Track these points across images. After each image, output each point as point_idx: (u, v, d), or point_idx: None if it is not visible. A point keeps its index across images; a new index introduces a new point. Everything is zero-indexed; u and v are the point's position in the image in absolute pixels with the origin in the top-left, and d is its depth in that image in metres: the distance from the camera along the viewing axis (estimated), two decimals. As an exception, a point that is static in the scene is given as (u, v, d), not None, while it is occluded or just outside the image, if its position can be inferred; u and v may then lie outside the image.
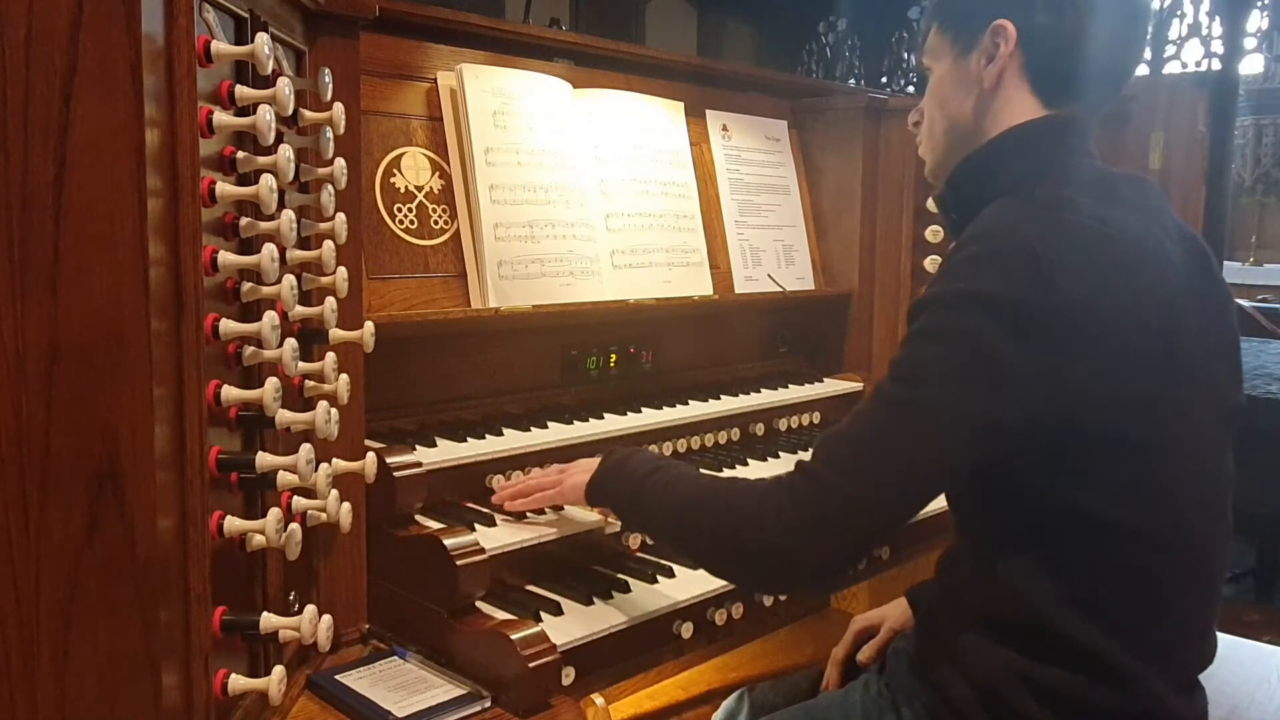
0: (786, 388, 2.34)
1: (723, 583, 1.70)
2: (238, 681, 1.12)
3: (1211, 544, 1.29)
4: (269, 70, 1.14)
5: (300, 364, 1.27)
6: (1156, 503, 1.21)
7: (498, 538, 1.58)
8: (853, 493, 1.19)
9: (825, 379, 2.46)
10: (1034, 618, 1.22)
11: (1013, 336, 1.14)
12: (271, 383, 1.14)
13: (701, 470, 1.49)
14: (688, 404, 2.11)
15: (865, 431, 1.22)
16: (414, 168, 1.83)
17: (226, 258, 1.09)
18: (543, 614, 1.57)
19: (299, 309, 1.28)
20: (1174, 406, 1.21)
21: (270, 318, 1.14)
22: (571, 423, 1.89)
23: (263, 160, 1.17)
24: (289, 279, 1.20)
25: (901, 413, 1.20)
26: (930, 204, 2.44)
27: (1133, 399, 1.17)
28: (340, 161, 1.41)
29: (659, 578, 1.72)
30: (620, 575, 1.72)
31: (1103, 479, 1.19)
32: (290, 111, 1.18)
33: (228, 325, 1.10)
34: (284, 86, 1.15)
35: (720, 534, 1.31)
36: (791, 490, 1.23)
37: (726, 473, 1.98)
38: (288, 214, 1.17)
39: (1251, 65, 7.90)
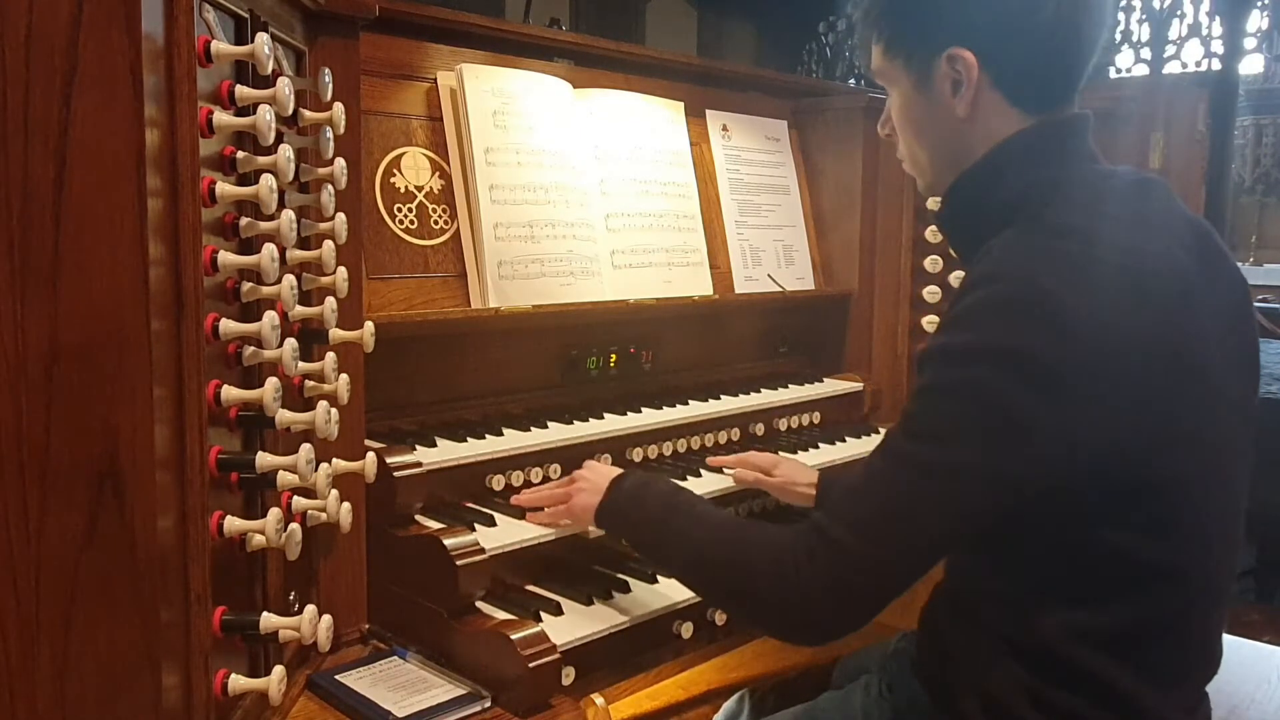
0: (786, 388, 2.34)
1: (723, 583, 1.70)
2: (238, 681, 1.12)
3: (1225, 567, 1.27)
4: (269, 70, 1.15)
5: (300, 364, 1.27)
6: (1177, 535, 1.18)
7: (498, 538, 1.58)
8: (871, 557, 1.17)
9: (825, 379, 2.46)
10: (1045, 642, 1.19)
11: (1033, 391, 1.09)
12: (271, 383, 1.14)
13: (715, 510, 1.47)
14: (687, 404, 2.11)
15: (882, 493, 1.18)
16: (414, 168, 1.83)
17: (226, 258, 1.09)
18: (543, 614, 1.57)
19: (299, 309, 1.28)
20: (1195, 432, 1.17)
21: (270, 318, 1.14)
22: (571, 423, 1.89)
23: (263, 160, 1.17)
24: (289, 279, 1.20)
25: (919, 474, 1.15)
26: (930, 204, 2.44)
27: (1154, 431, 1.13)
28: (340, 161, 1.41)
29: (659, 578, 1.72)
30: (620, 575, 1.72)
31: (1121, 515, 1.15)
32: (290, 111, 1.18)
33: (228, 325, 1.10)
34: (284, 86, 1.15)
35: (737, 590, 1.30)
36: (810, 553, 1.20)
37: (727, 473, 1.98)
38: (288, 214, 1.17)
39: (1251, 65, 7.89)
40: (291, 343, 1.20)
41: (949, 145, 1.32)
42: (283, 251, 1.19)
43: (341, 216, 1.41)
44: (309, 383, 1.38)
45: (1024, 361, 1.09)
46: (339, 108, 1.39)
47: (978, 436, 1.12)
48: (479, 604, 1.55)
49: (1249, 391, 1.29)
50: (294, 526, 1.20)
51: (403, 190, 1.81)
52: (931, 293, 2.46)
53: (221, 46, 1.07)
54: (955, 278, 2.42)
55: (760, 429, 2.23)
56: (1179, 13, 7.94)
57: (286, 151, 1.17)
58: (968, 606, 1.32)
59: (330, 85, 1.40)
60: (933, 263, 2.46)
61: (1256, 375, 1.31)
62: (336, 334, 1.41)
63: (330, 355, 1.37)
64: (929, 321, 2.46)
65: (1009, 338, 1.10)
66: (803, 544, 1.21)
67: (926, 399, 1.17)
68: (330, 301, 1.37)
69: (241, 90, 1.14)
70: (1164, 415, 1.13)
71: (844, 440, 2.25)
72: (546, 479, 1.79)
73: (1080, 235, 1.16)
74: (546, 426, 1.85)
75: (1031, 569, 1.23)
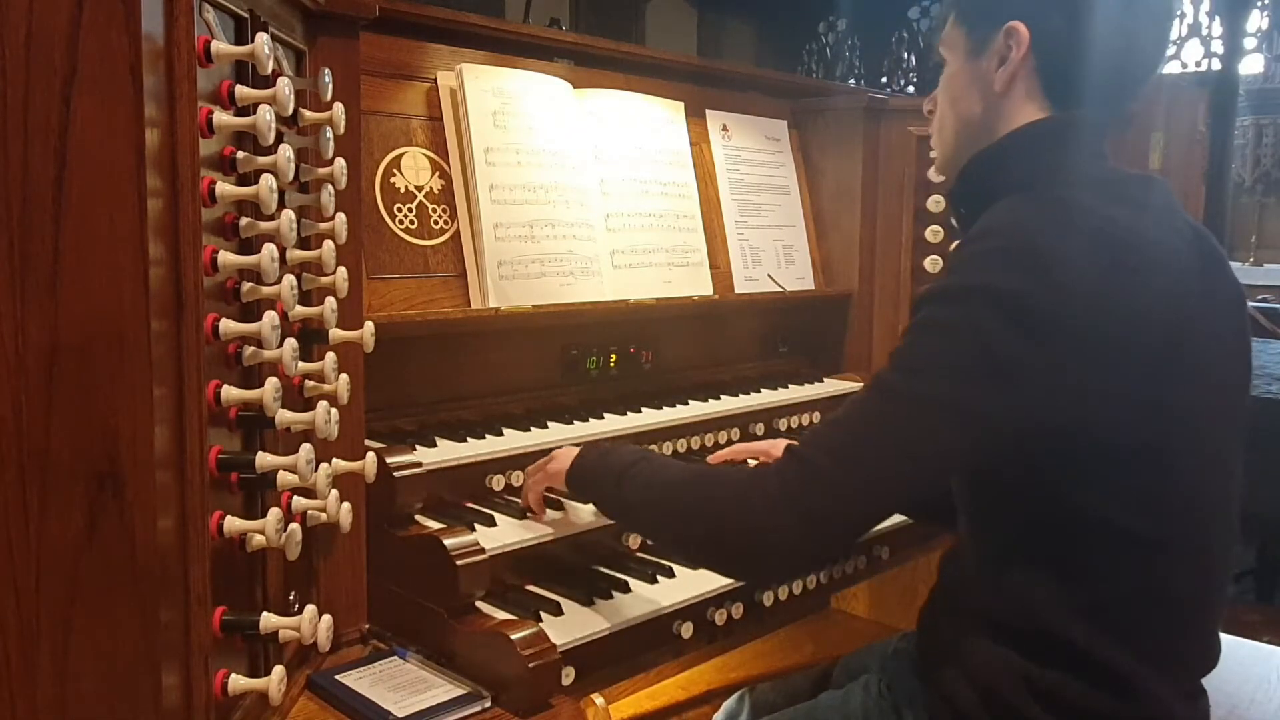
0: (786, 388, 2.34)
1: (723, 583, 1.70)
2: (238, 681, 1.12)
3: (1219, 548, 1.28)
4: (269, 70, 1.14)
5: (300, 364, 1.27)
6: (1165, 508, 1.20)
7: (498, 538, 1.58)
8: (842, 480, 1.18)
9: (825, 379, 2.46)
10: (1038, 622, 1.21)
11: (1017, 332, 1.12)
12: (271, 383, 1.14)
13: (682, 461, 1.48)
14: (688, 404, 2.11)
15: (860, 420, 1.21)
16: (414, 168, 1.83)
17: (226, 258, 1.09)
18: (543, 614, 1.57)
19: (299, 309, 1.28)
20: (1183, 408, 1.20)
21: (270, 318, 1.14)
22: (571, 423, 1.89)
23: (263, 160, 1.17)
24: (289, 279, 1.20)
25: (898, 403, 1.18)
26: (930, 204, 2.44)
27: (1140, 401, 1.16)
28: (340, 161, 1.41)
29: (659, 578, 1.72)
30: (620, 575, 1.72)
31: (1111, 483, 1.18)
32: (290, 111, 1.18)
33: (228, 325, 1.10)
34: (284, 86, 1.15)
35: (706, 519, 1.28)
36: (781, 475, 1.21)
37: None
38: (288, 214, 1.17)
39: (1251, 65, 7.90)
40: (291, 343, 1.20)
41: (976, 118, 1.37)
42: (283, 251, 1.19)
43: (341, 216, 1.41)
44: (309, 383, 1.38)
45: (1009, 302, 1.13)
46: (339, 108, 1.38)
47: (960, 371, 1.15)
48: (479, 604, 1.55)
49: (1242, 387, 1.32)
50: (294, 526, 1.20)
51: (403, 190, 1.81)
52: (931, 293, 2.46)
53: (221, 46, 1.07)
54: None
55: (760, 429, 2.23)
56: (1179, 13, 7.94)
57: (286, 151, 1.17)
58: (960, 596, 1.33)
59: (330, 85, 1.40)
60: (933, 263, 2.46)
61: (1247, 373, 1.34)
62: (336, 334, 1.41)
63: (330, 355, 1.37)
64: (929, 321, 2.46)
65: (999, 280, 1.15)
66: (774, 471, 1.22)
67: (914, 335, 1.21)
68: (330, 301, 1.37)
69: (241, 90, 1.14)
70: (1140, 380, 1.16)
71: (844, 440, 2.25)
72: (546, 479, 1.79)
73: (1074, 205, 1.21)
74: (546, 426, 1.85)
75: (1014, 540, 1.26)
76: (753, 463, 1.94)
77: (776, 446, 1.93)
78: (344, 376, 1.41)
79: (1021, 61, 1.30)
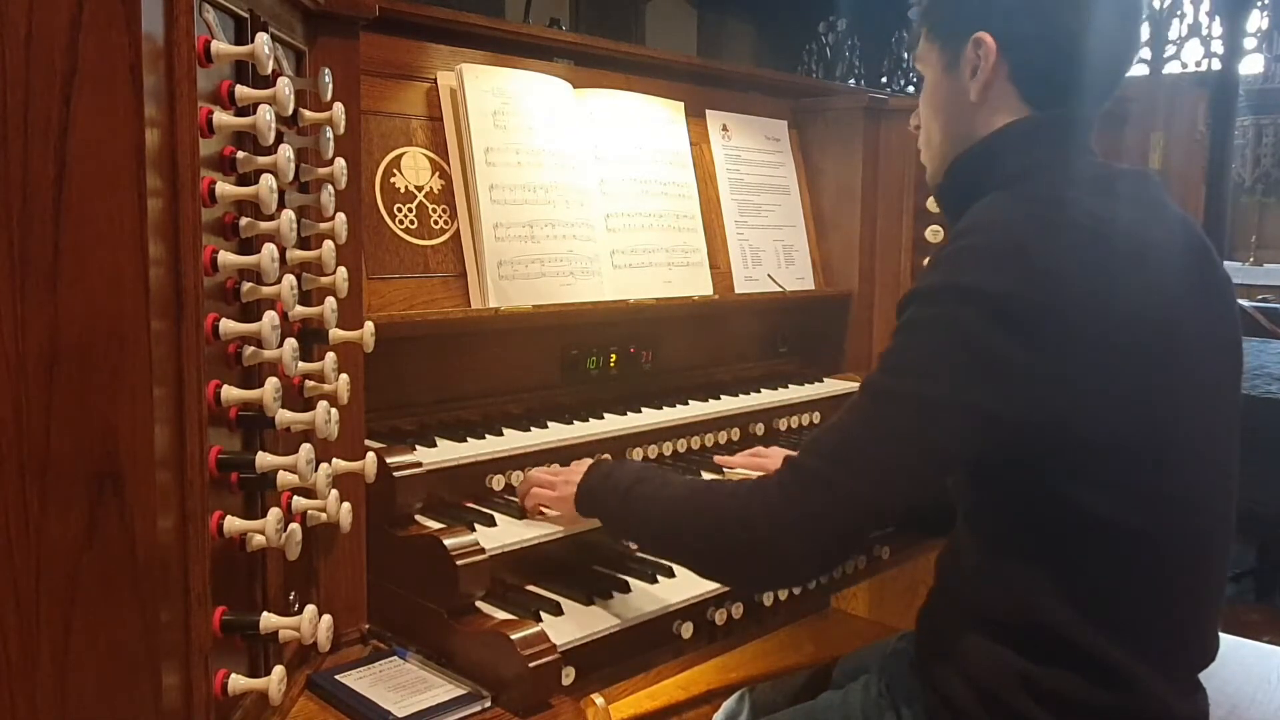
0: (786, 388, 2.34)
1: (723, 583, 1.70)
2: (238, 681, 1.12)
3: (1215, 543, 1.29)
4: (269, 70, 1.14)
5: (300, 364, 1.27)
6: (1158, 503, 1.21)
7: (498, 538, 1.58)
8: (840, 484, 1.19)
9: (825, 379, 2.46)
10: (1035, 618, 1.22)
11: (1000, 330, 1.13)
12: (271, 383, 1.14)
13: (685, 476, 1.49)
14: (688, 404, 2.11)
15: (852, 423, 1.22)
16: (414, 168, 1.83)
17: (226, 258, 1.09)
18: (543, 614, 1.57)
19: (299, 309, 1.28)
20: (1174, 405, 1.20)
21: (270, 318, 1.14)
22: (571, 423, 1.89)
23: (263, 160, 1.17)
24: (289, 279, 1.20)
25: (887, 403, 1.20)
26: (930, 204, 2.44)
27: (1130, 398, 1.17)
28: (340, 161, 1.41)
29: (659, 578, 1.72)
30: (620, 575, 1.72)
31: (1103, 479, 1.19)
32: (290, 111, 1.18)
33: (228, 325, 1.10)
34: (284, 86, 1.15)
35: (708, 531, 1.30)
36: (779, 484, 1.23)
37: (726, 474, 1.98)
38: (288, 214, 1.17)
39: (1251, 65, 7.90)
40: (291, 343, 1.20)
41: (957, 128, 1.38)
42: (283, 251, 1.19)
43: (341, 216, 1.41)
44: (309, 383, 1.37)
45: (992, 300, 1.14)
46: (339, 108, 1.38)
47: (945, 370, 1.16)
48: (479, 604, 1.55)
49: (1231, 380, 1.32)
50: (294, 526, 1.20)
51: (403, 190, 1.81)
52: (931, 293, 2.46)
53: (221, 46, 1.07)
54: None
55: (760, 429, 2.23)
56: (1179, 13, 7.95)
57: (286, 151, 1.17)
58: (957, 595, 1.34)
59: (330, 85, 1.40)
60: (932, 263, 2.46)
61: (1238, 367, 1.34)
62: (336, 334, 1.41)
63: (330, 355, 1.37)
64: (929, 321, 2.46)
65: (978, 278, 1.16)
66: (773, 480, 1.24)
67: (900, 336, 1.22)
68: (330, 301, 1.37)
69: (241, 90, 1.14)
70: (1129, 377, 1.17)
71: (844, 440, 2.25)
72: (546, 479, 1.79)
73: (1059, 202, 1.21)
74: (546, 426, 1.85)
75: (1010, 536, 1.26)
76: (745, 473, 1.94)
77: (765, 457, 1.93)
78: (344, 376, 1.41)
79: (993, 70, 1.31)
